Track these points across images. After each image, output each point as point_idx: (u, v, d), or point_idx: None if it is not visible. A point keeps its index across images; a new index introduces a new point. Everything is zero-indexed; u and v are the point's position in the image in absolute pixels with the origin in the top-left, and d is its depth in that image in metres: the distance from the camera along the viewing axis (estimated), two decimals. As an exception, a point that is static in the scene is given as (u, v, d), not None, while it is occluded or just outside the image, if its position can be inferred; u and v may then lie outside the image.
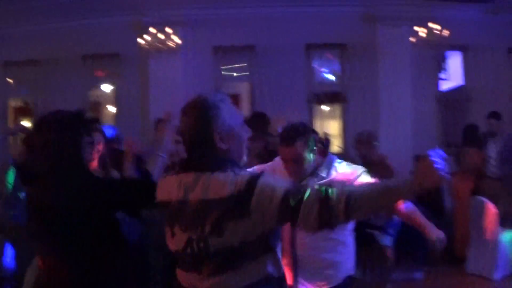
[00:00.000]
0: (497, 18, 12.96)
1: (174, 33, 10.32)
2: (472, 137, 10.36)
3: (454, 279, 9.03)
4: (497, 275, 8.58)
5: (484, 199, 8.88)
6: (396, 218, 6.19)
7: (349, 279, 4.57)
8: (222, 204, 2.68)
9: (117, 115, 11.94)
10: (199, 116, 2.93)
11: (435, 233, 4.39)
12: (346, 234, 4.54)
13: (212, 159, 2.84)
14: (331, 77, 13.94)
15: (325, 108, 13.75)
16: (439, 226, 10.43)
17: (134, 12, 11.75)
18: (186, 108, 3.07)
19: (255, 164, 4.88)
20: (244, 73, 12.75)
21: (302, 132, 4.25)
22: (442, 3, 12.26)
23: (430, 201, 10.14)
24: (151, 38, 10.15)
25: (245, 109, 13.27)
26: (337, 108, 12.78)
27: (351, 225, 4.55)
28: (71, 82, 12.03)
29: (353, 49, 12.44)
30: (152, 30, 10.23)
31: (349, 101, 12.25)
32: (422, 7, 12.04)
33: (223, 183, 2.71)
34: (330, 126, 13.30)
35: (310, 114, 11.99)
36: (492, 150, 10.29)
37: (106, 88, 13.97)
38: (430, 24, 10.72)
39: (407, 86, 12.20)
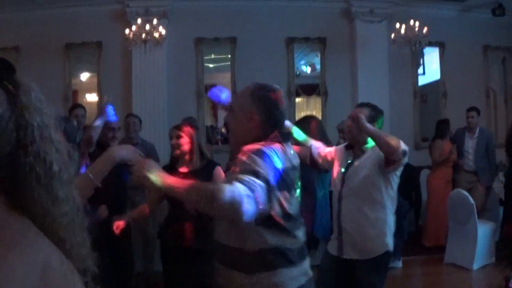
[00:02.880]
0: (472, 16, 13.19)
1: (158, 24, 10.34)
2: (442, 132, 10.56)
3: (433, 268, 9.25)
4: (475, 266, 8.80)
5: (462, 191, 9.09)
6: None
7: (387, 253, 4.97)
8: None
9: (98, 104, 11.92)
10: None
11: None
12: (388, 213, 4.85)
13: None
14: (311, 70, 14.11)
15: (305, 100, 13.87)
16: (417, 216, 10.70)
17: (117, 1, 11.76)
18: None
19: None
20: (226, 64, 12.82)
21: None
22: (419, 1, 12.46)
23: (408, 193, 10.39)
24: (137, 28, 10.15)
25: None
26: (317, 101, 12.91)
27: (392, 206, 4.98)
28: (52, 69, 11.99)
29: (333, 43, 12.57)
30: (138, 21, 10.25)
31: (329, 94, 12.39)
32: (399, 4, 12.24)
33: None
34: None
35: (291, 106, 12.08)
36: (468, 144, 10.51)
37: (87, 76, 13.97)
38: (409, 21, 10.86)
39: (384, 81, 12.35)
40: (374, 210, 4.93)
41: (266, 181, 2.88)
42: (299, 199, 3.30)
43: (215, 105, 15.43)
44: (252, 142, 3.16)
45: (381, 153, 4.71)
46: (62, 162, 1.40)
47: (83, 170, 4.69)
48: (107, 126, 6.68)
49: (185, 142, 5.73)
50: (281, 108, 3.36)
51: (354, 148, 5.15)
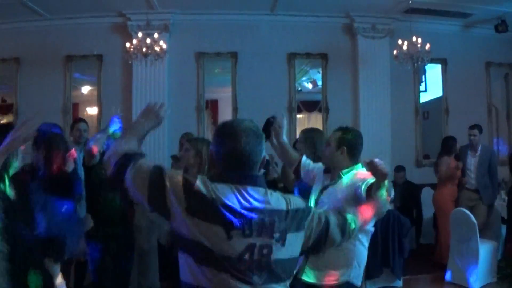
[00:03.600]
0: (474, 32, 13.15)
1: (159, 38, 10.31)
2: (449, 148, 10.48)
3: (436, 287, 9.15)
4: (476, 285, 8.70)
5: (463, 209, 9.00)
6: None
7: (347, 285, 4.73)
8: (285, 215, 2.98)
9: (98, 117, 11.87)
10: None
11: None
12: (356, 243, 4.70)
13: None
14: (313, 86, 14.06)
15: (306, 116, 13.83)
16: (418, 234, 10.61)
17: (118, 14, 11.75)
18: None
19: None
20: (227, 79, 12.77)
21: None
22: (421, 17, 12.40)
23: (409, 210, 10.29)
24: (137, 41, 10.12)
25: (227, 115, 13.30)
26: (318, 117, 12.84)
27: (364, 237, 4.77)
28: (53, 81, 12.00)
29: (335, 59, 12.54)
30: (139, 34, 10.21)
31: (330, 110, 12.33)
32: (402, 20, 12.18)
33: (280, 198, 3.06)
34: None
35: (292, 122, 12.03)
36: (471, 162, 10.43)
37: (88, 89, 13.92)
38: (411, 37, 10.81)
39: (386, 97, 12.29)
40: None
41: None
42: None
43: (215, 120, 15.42)
44: None
45: (355, 188, 4.50)
46: None
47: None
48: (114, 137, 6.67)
49: (191, 155, 5.73)
50: None
51: (331, 172, 4.96)
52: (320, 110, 12.70)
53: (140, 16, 11.34)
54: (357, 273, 4.76)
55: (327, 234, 3.26)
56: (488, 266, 8.93)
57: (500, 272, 8.76)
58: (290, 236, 2.99)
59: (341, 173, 4.79)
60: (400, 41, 10.94)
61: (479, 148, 10.42)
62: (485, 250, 8.86)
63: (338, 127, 4.84)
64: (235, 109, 12.22)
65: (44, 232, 4.18)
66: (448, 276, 9.15)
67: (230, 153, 2.94)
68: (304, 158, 5.38)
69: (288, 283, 3.06)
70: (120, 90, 11.94)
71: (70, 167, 5.46)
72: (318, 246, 3.26)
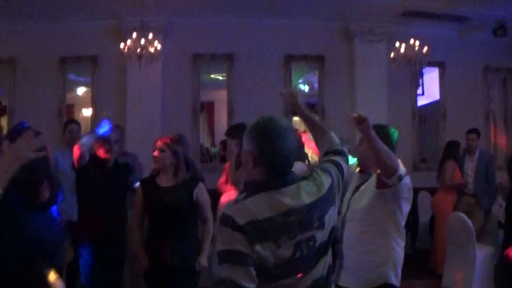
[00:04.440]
0: (472, 36, 13.10)
1: (153, 39, 10.24)
2: (454, 153, 10.45)
3: (430, 293, 9.11)
4: (473, 291, 8.64)
5: (460, 214, 8.92)
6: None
7: (386, 286, 4.66)
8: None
9: (92, 119, 11.79)
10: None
11: None
12: (392, 243, 4.68)
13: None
14: (309, 88, 14.01)
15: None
16: (414, 239, 10.56)
17: (113, 16, 11.68)
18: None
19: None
20: (223, 81, 12.73)
21: None
22: (418, 20, 12.33)
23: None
24: (132, 43, 10.04)
25: (223, 117, 13.23)
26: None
27: (398, 236, 4.74)
28: (47, 83, 11.94)
29: (331, 62, 12.51)
30: (134, 35, 10.12)
31: (326, 113, 12.27)
32: (399, 24, 12.12)
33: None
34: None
35: (288, 125, 11.98)
36: (468, 166, 10.39)
37: (83, 91, 13.86)
38: (410, 41, 10.76)
39: (383, 101, 12.24)
40: (376, 238, 4.69)
41: None
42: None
43: (211, 123, 15.36)
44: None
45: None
46: None
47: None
48: (103, 139, 6.64)
49: (166, 156, 5.73)
50: None
51: (363, 171, 4.99)
52: (317, 113, 12.63)
53: (135, 18, 11.23)
54: (394, 274, 4.68)
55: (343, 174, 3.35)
56: (485, 272, 8.84)
57: (497, 278, 8.68)
58: (327, 216, 3.08)
59: (372, 172, 4.79)
60: (397, 44, 10.89)
61: (477, 153, 10.39)
62: (482, 255, 8.77)
63: (373, 125, 4.79)
64: (230, 112, 12.14)
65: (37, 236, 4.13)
66: (444, 281, 9.08)
67: (278, 152, 2.97)
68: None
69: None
70: (115, 92, 11.85)
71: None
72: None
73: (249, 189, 2.99)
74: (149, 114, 11.34)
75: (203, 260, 5.76)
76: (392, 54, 11.01)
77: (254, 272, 2.77)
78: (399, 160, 4.50)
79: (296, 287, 2.97)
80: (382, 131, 4.82)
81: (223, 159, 11.78)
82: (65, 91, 12.18)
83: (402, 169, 4.46)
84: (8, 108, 12.08)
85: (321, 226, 3.04)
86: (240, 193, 3.05)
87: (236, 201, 2.99)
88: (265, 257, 2.82)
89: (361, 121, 4.31)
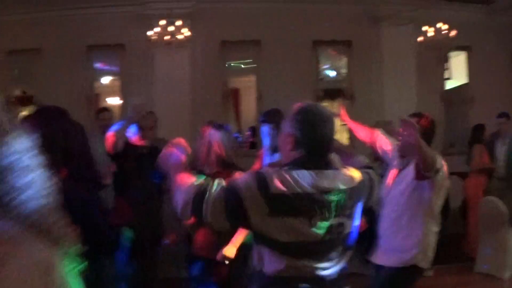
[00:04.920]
0: (500, 19, 12.99)
1: (182, 26, 10.23)
2: (479, 137, 10.39)
3: (464, 277, 9.05)
4: (506, 274, 8.59)
5: (494, 198, 8.88)
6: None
7: (414, 268, 4.86)
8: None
9: (121, 108, 11.81)
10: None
11: None
12: (425, 228, 4.88)
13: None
14: (337, 73, 13.94)
15: (329, 105, 13.74)
16: (445, 224, 10.54)
17: (140, 3, 11.67)
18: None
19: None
20: (251, 67, 12.71)
21: None
22: (445, 4, 12.28)
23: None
24: (160, 30, 10.04)
25: (249, 104, 13.20)
26: (344, 104, 12.74)
27: (432, 223, 4.92)
28: (74, 72, 11.93)
29: (359, 46, 12.48)
30: (161, 22, 10.11)
31: (355, 98, 12.23)
32: (426, 7, 12.04)
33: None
34: (336, 123, 13.26)
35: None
36: (500, 151, 10.31)
37: (108, 80, 13.86)
38: (436, 24, 10.70)
39: (411, 85, 12.24)
40: (410, 222, 4.85)
41: None
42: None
43: (237, 109, 15.34)
44: None
45: None
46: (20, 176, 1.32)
47: None
48: (137, 125, 6.67)
49: (203, 144, 5.69)
50: None
51: (404, 157, 5.05)
52: (345, 98, 12.60)
53: (162, 4, 11.24)
54: (423, 257, 4.85)
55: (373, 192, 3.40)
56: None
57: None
58: (357, 209, 3.19)
59: (411, 159, 4.84)
60: (425, 28, 10.83)
61: (508, 136, 10.30)
62: (514, 239, 8.76)
63: (412, 113, 4.86)
64: (259, 98, 12.12)
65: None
66: (477, 265, 9.04)
67: (318, 137, 3.09)
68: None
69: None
70: (143, 80, 11.83)
71: None
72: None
73: (293, 165, 3.06)
74: (177, 102, 11.33)
75: (229, 251, 5.53)
76: (420, 38, 10.96)
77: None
78: (437, 154, 4.65)
79: (319, 274, 3.04)
80: (431, 126, 5.08)
81: (252, 146, 11.75)
82: (92, 79, 12.19)
83: (439, 162, 4.59)
84: (35, 97, 12.09)
85: (351, 216, 3.15)
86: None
87: (281, 168, 3.06)
88: (298, 231, 2.93)
89: (410, 127, 4.43)
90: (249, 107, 14.39)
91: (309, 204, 2.95)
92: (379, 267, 5.04)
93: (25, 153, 1.34)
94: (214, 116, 10.81)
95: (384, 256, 4.98)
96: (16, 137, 1.31)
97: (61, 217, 1.40)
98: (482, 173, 10.15)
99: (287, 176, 2.95)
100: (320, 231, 2.97)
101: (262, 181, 2.93)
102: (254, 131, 13.27)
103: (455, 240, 10.70)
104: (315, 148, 3.10)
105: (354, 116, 11.61)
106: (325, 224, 2.98)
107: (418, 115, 4.87)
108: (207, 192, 2.94)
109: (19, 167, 1.31)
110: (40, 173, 1.36)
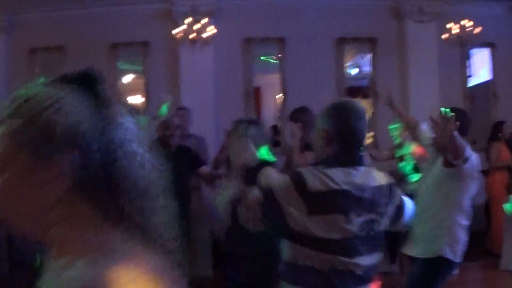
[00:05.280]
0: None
1: (208, 25, 10.25)
2: (497, 133, 10.38)
3: (489, 273, 9.06)
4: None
5: (518, 195, 8.87)
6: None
7: (441, 260, 4.98)
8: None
9: (145, 105, 11.82)
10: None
11: None
12: (454, 220, 5.03)
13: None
14: (362, 71, 13.93)
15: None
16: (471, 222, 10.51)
17: (164, 0, 11.68)
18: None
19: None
20: (268, 65, 12.72)
21: None
22: (469, 0, 12.23)
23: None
24: (186, 27, 10.06)
25: (270, 102, 13.21)
26: (367, 102, 12.69)
27: (461, 216, 5.08)
28: (97, 69, 11.89)
29: (383, 43, 12.43)
30: (187, 20, 10.14)
31: (380, 95, 12.21)
32: (449, 3, 12.01)
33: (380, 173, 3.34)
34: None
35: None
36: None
37: (130, 78, 13.87)
38: (459, 21, 10.68)
39: (435, 82, 12.18)
40: (439, 213, 4.96)
41: None
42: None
43: (258, 107, 15.35)
44: None
45: None
46: (147, 177, 1.37)
47: None
48: (165, 124, 6.71)
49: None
50: None
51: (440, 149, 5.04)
52: (364, 96, 12.59)
53: (186, 2, 11.23)
54: (451, 249, 4.95)
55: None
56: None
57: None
58: (388, 208, 3.27)
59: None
60: (449, 25, 10.81)
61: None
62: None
63: (454, 108, 4.90)
64: (283, 95, 12.12)
65: None
66: (503, 263, 9.03)
67: (352, 133, 3.15)
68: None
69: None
70: (167, 77, 11.86)
71: None
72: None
73: (325, 163, 3.14)
74: (201, 99, 11.30)
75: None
76: (445, 35, 10.94)
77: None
78: (467, 143, 4.71)
79: (351, 269, 3.09)
80: (465, 119, 5.30)
81: (275, 144, 11.75)
82: (116, 77, 12.20)
83: (468, 151, 4.66)
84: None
85: (384, 213, 3.24)
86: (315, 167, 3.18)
87: (315, 167, 3.14)
88: (335, 228, 3.01)
89: (446, 120, 4.39)
90: (270, 105, 14.41)
91: (344, 201, 3.02)
92: (412, 260, 5.18)
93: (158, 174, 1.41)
94: (238, 114, 10.84)
95: (414, 247, 5.10)
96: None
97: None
98: (503, 169, 10.13)
99: (323, 174, 3.03)
100: (354, 227, 3.04)
101: (299, 181, 3.01)
102: (276, 129, 13.29)
103: (478, 237, 10.69)
104: (349, 144, 3.16)
105: (378, 114, 11.69)
106: (359, 221, 3.04)
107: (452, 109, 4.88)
108: (244, 196, 3.11)
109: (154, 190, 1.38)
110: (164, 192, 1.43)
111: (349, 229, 3.02)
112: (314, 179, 3.01)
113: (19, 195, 1.26)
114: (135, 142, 1.36)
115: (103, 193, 1.28)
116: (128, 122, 1.38)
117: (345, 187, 3.03)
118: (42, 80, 1.39)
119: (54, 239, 1.27)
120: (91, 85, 1.39)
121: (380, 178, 3.27)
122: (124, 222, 1.30)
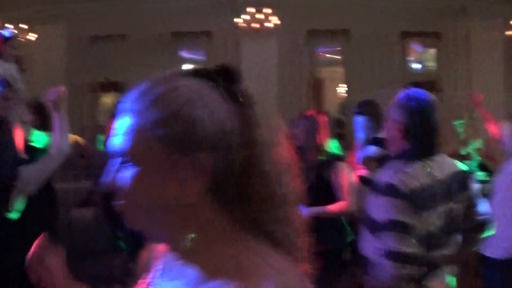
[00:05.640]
0: None
1: (271, 14, 10.18)
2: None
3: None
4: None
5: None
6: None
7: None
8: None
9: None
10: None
11: None
12: None
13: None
14: (425, 66, 13.76)
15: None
16: None
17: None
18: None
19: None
20: (338, 58, 12.60)
21: None
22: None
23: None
24: (249, 18, 10.00)
25: (331, 95, 13.10)
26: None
27: None
28: (159, 59, 11.93)
29: (448, 39, 12.31)
30: (250, 9, 10.07)
31: (444, 90, 12.03)
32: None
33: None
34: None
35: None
36: None
37: (195, 67, 13.90)
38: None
39: (499, 79, 12.03)
40: None
41: None
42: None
43: (321, 100, 15.25)
44: None
45: None
46: (287, 183, 1.26)
47: None
48: None
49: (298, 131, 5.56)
50: None
51: None
52: (433, 90, 12.42)
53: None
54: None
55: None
56: None
57: None
58: (462, 195, 3.14)
59: None
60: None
61: None
62: None
63: None
64: (347, 88, 12.03)
65: None
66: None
67: (429, 125, 3.10)
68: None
69: None
70: (229, 68, 11.77)
71: None
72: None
73: (403, 158, 3.12)
74: (264, 90, 11.25)
75: None
76: (509, 32, 10.79)
77: (415, 241, 2.94)
78: None
79: (441, 260, 3.09)
80: None
81: (338, 137, 11.65)
82: (177, 67, 12.18)
83: None
84: (119, 84, 12.16)
85: (459, 200, 3.13)
86: (392, 162, 3.21)
87: (395, 171, 3.09)
88: (426, 224, 2.97)
89: None
90: (331, 98, 14.31)
91: (430, 195, 2.99)
92: (483, 258, 4.85)
93: None
94: (300, 106, 10.75)
95: (490, 247, 4.78)
96: None
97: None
98: None
99: (406, 175, 3.01)
100: (438, 220, 3.00)
101: (389, 187, 3.00)
102: (338, 122, 13.16)
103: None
104: (426, 136, 3.11)
105: (443, 110, 11.46)
106: (443, 212, 3.02)
107: None
108: None
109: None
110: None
111: (437, 222, 3.01)
112: (400, 182, 3.00)
113: (156, 188, 1.18)
114: (279, 146, 1.27)
115: (239, 199, 1.20)
116: (271, 123, 1.30)
117: (428, 182, 3.02)
118: (174, 70, 1.30)
119: (184, 242, 1.20)
120: (230, 82, 1.30)
121: (455, 165, 3.24)
122: (260, 234, 1.21)
